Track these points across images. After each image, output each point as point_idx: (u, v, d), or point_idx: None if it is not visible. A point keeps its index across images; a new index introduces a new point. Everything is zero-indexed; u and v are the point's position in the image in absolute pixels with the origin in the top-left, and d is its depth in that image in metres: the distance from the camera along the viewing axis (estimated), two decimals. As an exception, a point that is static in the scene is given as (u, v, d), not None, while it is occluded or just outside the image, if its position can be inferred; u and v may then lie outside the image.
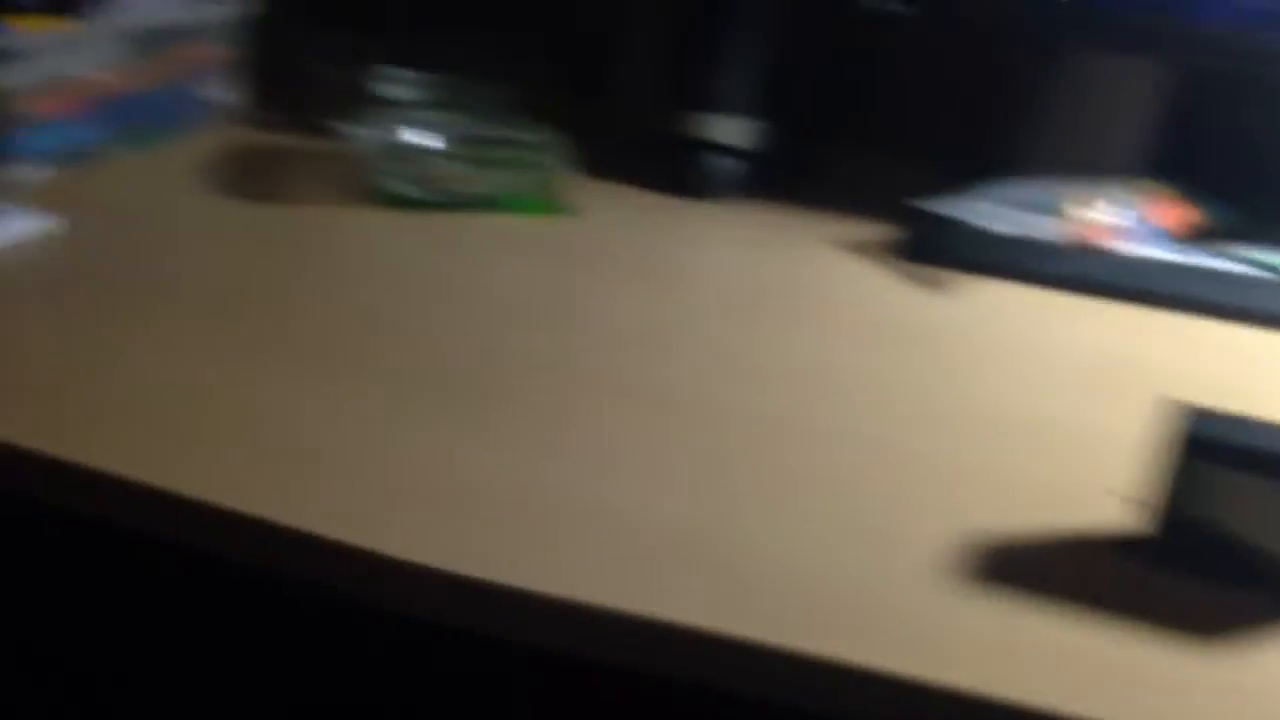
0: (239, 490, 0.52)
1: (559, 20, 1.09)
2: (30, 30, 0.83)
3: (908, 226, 0.88)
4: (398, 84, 0.97)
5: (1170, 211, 0.87)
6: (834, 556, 0.51)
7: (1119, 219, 0.85)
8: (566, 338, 0.70)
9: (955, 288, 0.81)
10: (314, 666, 0.60)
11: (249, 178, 0.90)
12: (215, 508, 0.51)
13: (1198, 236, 0.88)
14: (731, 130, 0.92)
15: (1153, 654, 0.46)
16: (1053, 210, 0.85)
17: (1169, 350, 0.75)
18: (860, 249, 0.86)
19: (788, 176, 0.97)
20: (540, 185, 0.88)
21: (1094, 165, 0.96)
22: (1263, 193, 0.92)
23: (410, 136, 0.90)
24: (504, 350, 0.68)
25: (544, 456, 0.57)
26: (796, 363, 0.69)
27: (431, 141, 0.90)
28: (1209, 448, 0.49)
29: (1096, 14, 0.84)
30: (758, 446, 0.60)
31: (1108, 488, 0.56)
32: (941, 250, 0.85)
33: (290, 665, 0.61)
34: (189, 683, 0.63)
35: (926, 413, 0.64)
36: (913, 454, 0.60)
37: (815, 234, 0.89)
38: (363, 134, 0.87)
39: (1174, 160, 0.94)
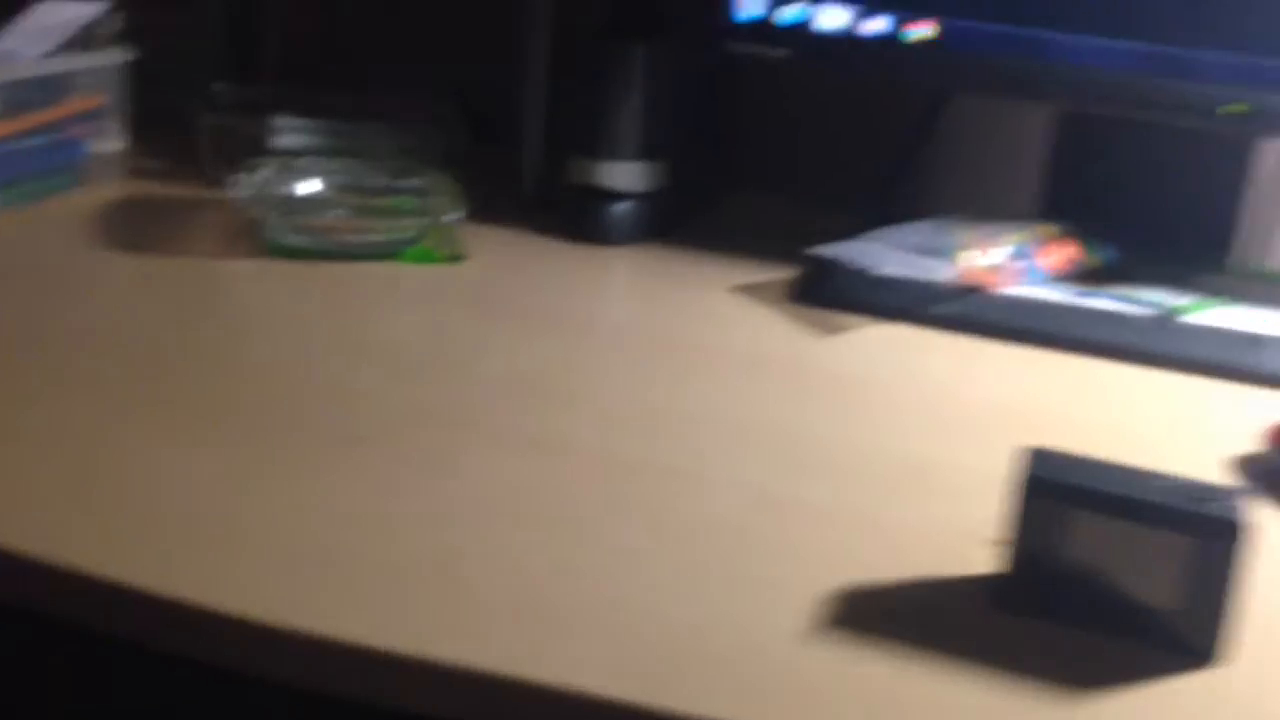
0: (80, 546, 0.50)
1: (455, 67, 1.09)
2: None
3: (803, 271, 0.88)
4: (290, 132, 0.96)
5: (1058, 252, 0.88)
6: (704, 609, 0.50)
7: (1009, 261, 0.86)
8: (454, 387, 0.69)
9: (848, 332, 0.81)
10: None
11: (134, 230, 0.89)
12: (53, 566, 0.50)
13: (1084, 276, 0.88)
14: (625, 175, 0.92)
15: (1002, 699, 0.46)
16: (945, 253, 0.86)
17: (1055, 391, 0.75)
18: (756, 294, 0.86)
19: (685, 222, 0.97)
20: (434, 233, 0.87)
21: (988, 208, 0.97)
22: (1142, 231, 0.93)
23: (300, 186, 0.88)
24: (388, 400, 0.67)
25: (418, 507, 0.56)
26: (686, 410, 0.69)
27: (322, 191, 0.89)
28: (1048, 488, 0.48)
29: (964, 58, 0.85)
30: (638, 495, 0.59)
31: (981, 532, 0.56)
32: (835, 294, 0.85)
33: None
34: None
35: (813, 459, 0.64)
36: (795, 501, 0.59)
37: (711, 279, 0.89)
38: (252, 184, 0.86)
39: (1061, 201, 0.95)
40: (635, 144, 0.92)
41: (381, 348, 0.75)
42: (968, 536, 0.56)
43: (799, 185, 1.07)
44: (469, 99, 1.05)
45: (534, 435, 0.64)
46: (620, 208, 0.93)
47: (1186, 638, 0.48)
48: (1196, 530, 0.47)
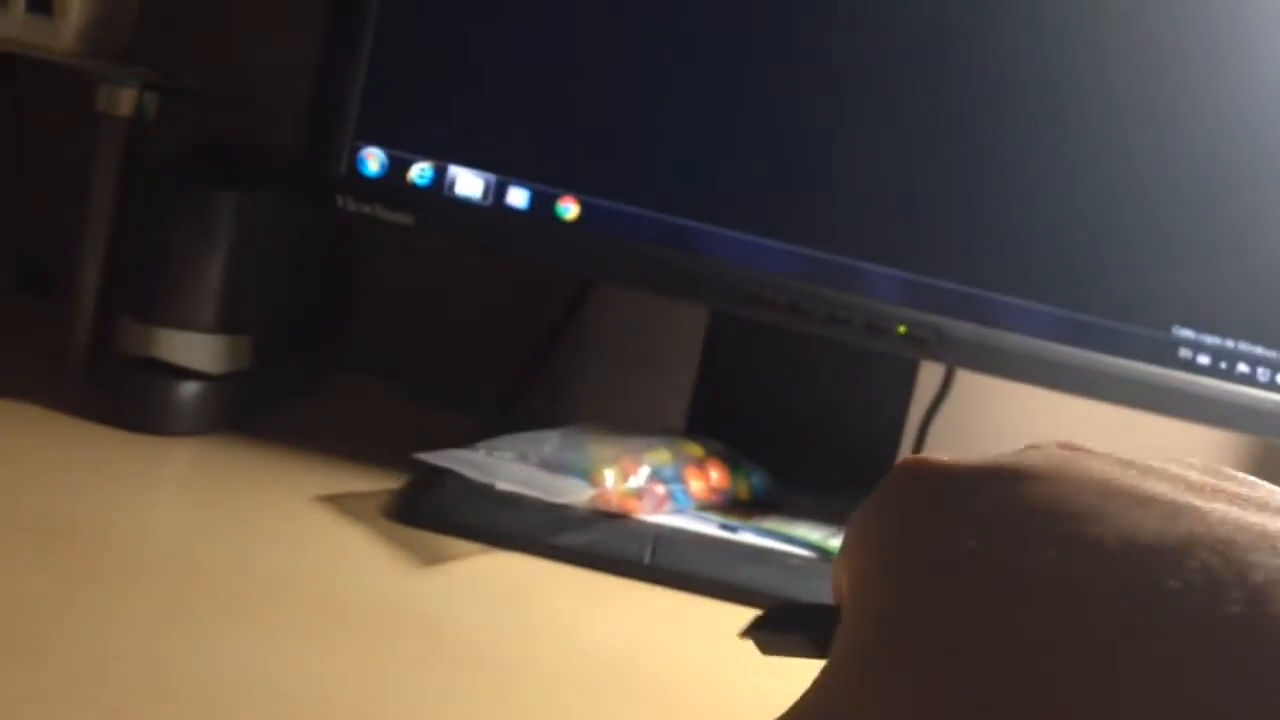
0: None
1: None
2: None
3: (408, 481, 0.72)
4: None
5: (707, 476, 0.76)
6: None
7: (652, 484, 0.73)
8: None
9: (452, 562, 0.65)
10: None
11: None
12: None
13: (731, 506, 0.77)
14: (197, 350, 0.73)
15: None
16: (579, 471, 0.72)
17: (699, 646, 0.61)
18: (344, 506, 0.69)
19: (268, 410, 0.79)
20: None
21: (631, 417, 0.85)
22: (802, 459, 0.84)
23: None
24: None
25: None
26: (174, 664, 0.50)
27: None
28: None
29: (604, 241, 0.74)
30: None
31: None
32: (443, 513, 0.69)
33: None
34: None
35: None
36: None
37: (294, 485, 0.71)
38: None
39: (715, 418, 0.85)
40: (213, 311, 0.74)
41: None
42: None
43: (418, 376, 0.92)
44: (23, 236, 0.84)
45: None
46: (186, 390, 0.74)
47: None
48: None
